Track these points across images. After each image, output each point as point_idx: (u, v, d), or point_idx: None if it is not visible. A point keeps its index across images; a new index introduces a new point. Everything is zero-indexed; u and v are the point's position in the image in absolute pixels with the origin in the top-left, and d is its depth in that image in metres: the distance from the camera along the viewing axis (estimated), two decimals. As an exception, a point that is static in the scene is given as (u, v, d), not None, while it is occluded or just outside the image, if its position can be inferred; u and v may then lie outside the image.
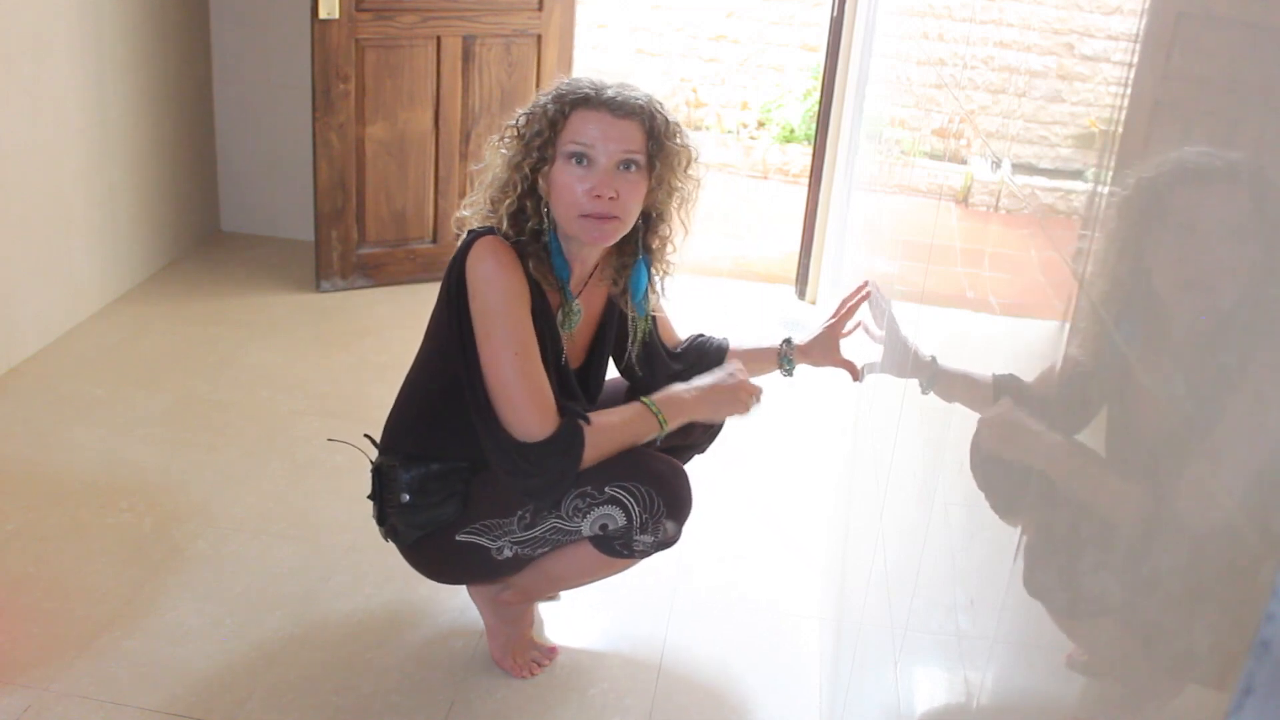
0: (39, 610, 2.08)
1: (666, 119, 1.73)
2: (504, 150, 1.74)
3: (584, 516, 1.73)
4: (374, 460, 1.88)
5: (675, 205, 1.80)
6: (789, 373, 2.05)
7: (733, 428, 2.05)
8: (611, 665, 2.06)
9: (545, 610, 2.16)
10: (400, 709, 1.91)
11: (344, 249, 3.65)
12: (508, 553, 1.81)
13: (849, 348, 2.05)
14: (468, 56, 3.64)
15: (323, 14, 3.35)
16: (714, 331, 2.10)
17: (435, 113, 3.65)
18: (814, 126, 3.91)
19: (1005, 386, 1.02)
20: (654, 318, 1.97)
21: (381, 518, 1.86)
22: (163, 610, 2.10)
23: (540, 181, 1.71)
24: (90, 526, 2.34)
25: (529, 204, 1.71)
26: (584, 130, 1.67)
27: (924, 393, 1.40)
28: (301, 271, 3.79)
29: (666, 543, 1.77)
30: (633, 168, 1.69)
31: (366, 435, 1.96)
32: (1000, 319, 1.15)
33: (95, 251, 3.38)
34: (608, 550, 1.77)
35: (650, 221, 1.81)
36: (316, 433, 2.78)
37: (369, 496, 1.88)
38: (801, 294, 3.92)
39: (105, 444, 2.66)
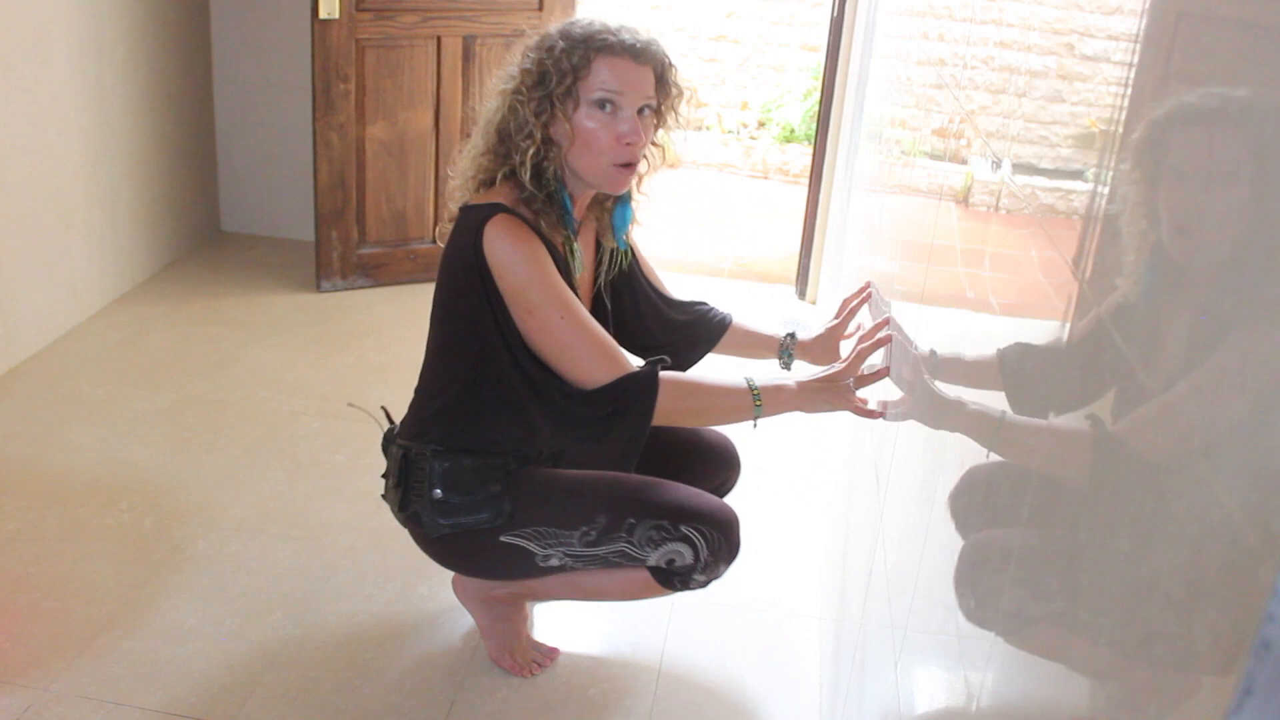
0: (39, 610, 2.08)
1: (670, 62, 1.75)
2: (520, 96, 1.68)
3: (656, 548, 1.77)
4: (399, 442, 1.85)
5: (666, 144, 1.82)
6: (786, 366, 2.04)
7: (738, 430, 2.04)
8: (611, 665, 2.06)
9: (546, 610, 2.16)
10: (401, 709, 1.91)
11: (344, 249, 3.65)
12: (555, 562, 1.81)
13: (848, 348, 2.05)
14: (468, 56, 3.64)
15: (323, 14, 3.35)
16: (720, 305, 2.09)
17: (435, 113, 3.65)
18: (814, 126, 3.91)
19: (1009, 359, 1.02)
20: (636, 259, 1.96)
21: (404, 504, 1.84)
22: (163, 610, 2.10)
23: (556, 130, 1.68)
24: (90, 526, 2.34)
25: (549, 151, 1.69)
26: (610, 78, 1.66)
27: (929, 382, 1.39)
28: (301, 271, 3.79)
29: (710, 583, 1.85)
30: (646, 112, 1.71)
31: (383, 408, 1.95)
32: (1000, 319, 1.15)
33: (95, 251, 3.38)
34: (664, 582, 1.82)
35: None
36: (316, 433, 2.78)
37: (384, 475, 1.87)
38: (801, 294, 3.92)
39: (105, 444, 2.66)
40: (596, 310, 1.89)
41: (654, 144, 1.80)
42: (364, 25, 3.46)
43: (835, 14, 3.54)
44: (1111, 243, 0.78)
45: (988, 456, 1.03)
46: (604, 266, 1.90)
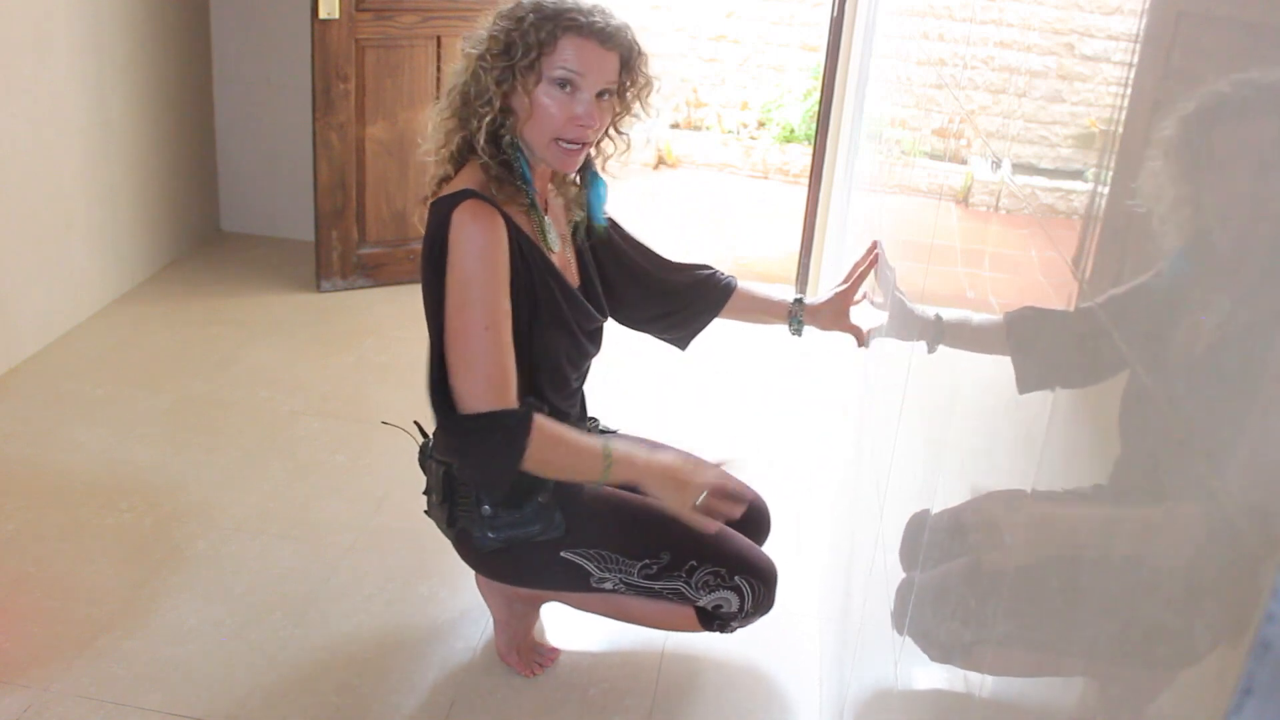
0: (39, 610, 2.08)
1: (641, 50, 1.73)
2: (484, 63, 1.67)
3: (709, 592, 1.84)
4: (437, 458, 1.83)
5: (629, 130, 1.81)
6: (797, 332, 2.04)
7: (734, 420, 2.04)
8: (611, 665, 2.06)
9: (547, 611, 2.15)
10: (401, 709, 1.91)
11: (344, 249, 3.65)
12: (609, 585, 1.84)
13: (855, 312, 2.04)
14: (468, 56, 3.63)
15: (323, 14, 3.35)
16: (723, 269, 2.07)
17: (435, 113, 3.65)
18: (814, 126, 3.91)
19: (1016, 323, 1.02)
20: (620, 232, 1.95)
21: (452, 520, 1.83)
22: (163, 610, 2.10)
23: (516, 101, 1.68)
24: (90, 526, 2.34)
25: (506, 120, 1.69)
26: (573, 58, 1.64)
27: (931, 351, 1.39)
28: (301, 271, 3.79)
29: (739, 630, 1.93)
30: (607, 96, 1.70)
31: (416, 422, 1.95)
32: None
33: (95, 251, 3.38)
34: (705, 622, 1.90)
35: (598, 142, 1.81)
36: (316, 433, 2.78)
37: (425, 492, 1.88)
38: (803, 295, 3.91)
39: (105, 444, 2.66)
40: (586, 285, 1.87)
41: (616, 131, 1.80)
42: (364, 25, 3.45)
43: (835, 14, 3.54)
44: (1137, 238, 0.78)
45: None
46: (584, 246, 1.89)
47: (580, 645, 2.11)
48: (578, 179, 1.85)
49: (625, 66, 1.71)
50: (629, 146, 1.84)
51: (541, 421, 1.65)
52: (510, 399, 1.65)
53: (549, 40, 1.64)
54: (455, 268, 1.66)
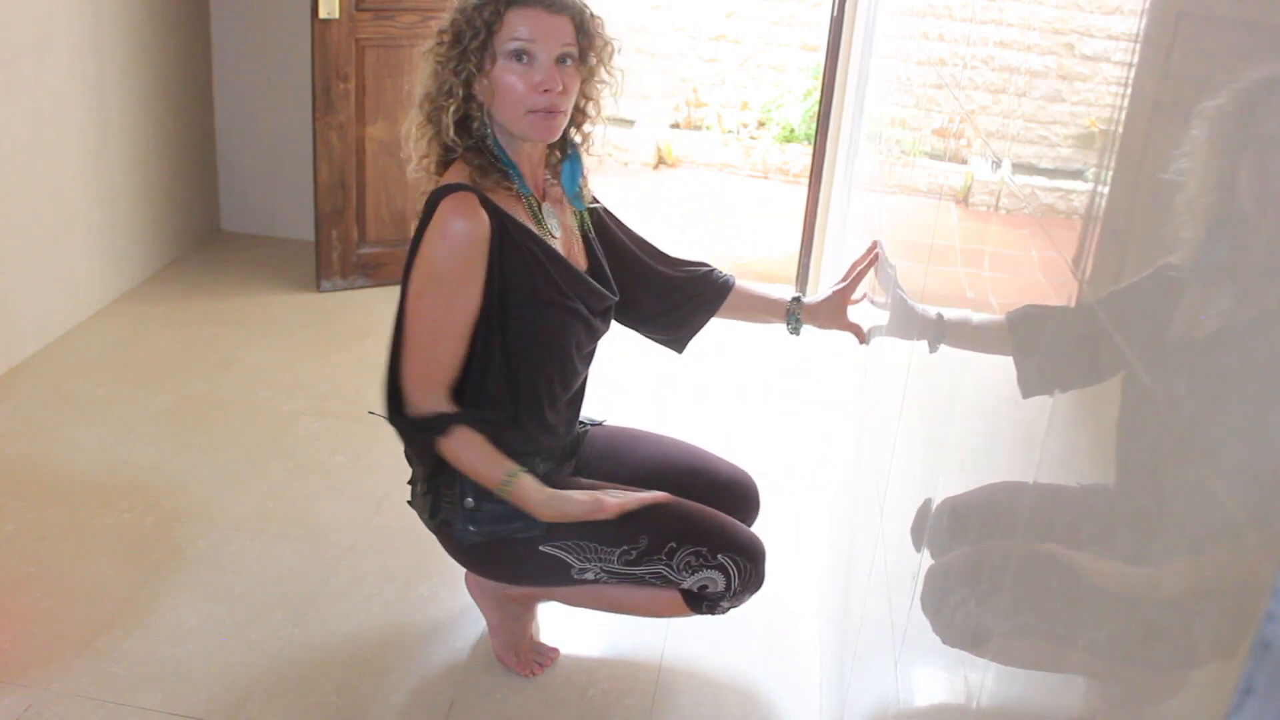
0: (39, 610, 2.08)
1: (592, 12, 1.73)
2: (438, 59, 1.68)
3: (692, 573, 1.81)
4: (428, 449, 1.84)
5: (599, 96, 1.80)
6: (795, 331, 2.03)
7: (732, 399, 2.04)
8: (611, 665, 2.06)
9: (547, 610, 2.16)
10: (400, 708, 1.91)
11: (344, 249, 3.65)
12: (590, 575, 1.82)
13: (855, 310, 2.04)
14: (468, 56, 3.63)
15: (323, 14, 3.35)
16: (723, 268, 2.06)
17: (435, 113, 3.65)
18: (814, 126, 3.91)
19: (1017, 324, 1.02)
20: (620, 228, 1.95)
21: (434, 510, 1.83)
22: (163, 610, 2.10)
23: (478, 86, 1.68)
24: (90, 526, 2.34)
25: (473, 109, 1.69)
26: (521, 28, 1.64)
27: (932, 350, 1.39)
28: (301, 271, 3.79)
29: (732, 610, 1.90)
30: (569, 61, 1.68)
31: None
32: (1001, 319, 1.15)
33: (95, 251, 3.38)
34: (693, 605, 1.87)
35: (575, 114, 1.79)
36: (316, 433, 2.78)
37: (410, 482, 1.88)
38: (801, 294, 3.91)
39: (105, 444, 2.66)
40: (595, 269, 1.86)
41: (587, 98, 1.78)
42: (364, 25, 3.46)
43: (835, 14, 3.54)
44: (1137, 238, 0.78)
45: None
46: (591, 236, 1.89)
47: (580, 645, 2.11)
48: (559, 151, 1.83)
49: (580, 30, 1.70)
50: (600, 113, 1.82)
51: (445, 441, 1.71)
52: (438, 395, 1.71)
53: (494, 18, 1.64)
54: (423, 257, 1.67)
